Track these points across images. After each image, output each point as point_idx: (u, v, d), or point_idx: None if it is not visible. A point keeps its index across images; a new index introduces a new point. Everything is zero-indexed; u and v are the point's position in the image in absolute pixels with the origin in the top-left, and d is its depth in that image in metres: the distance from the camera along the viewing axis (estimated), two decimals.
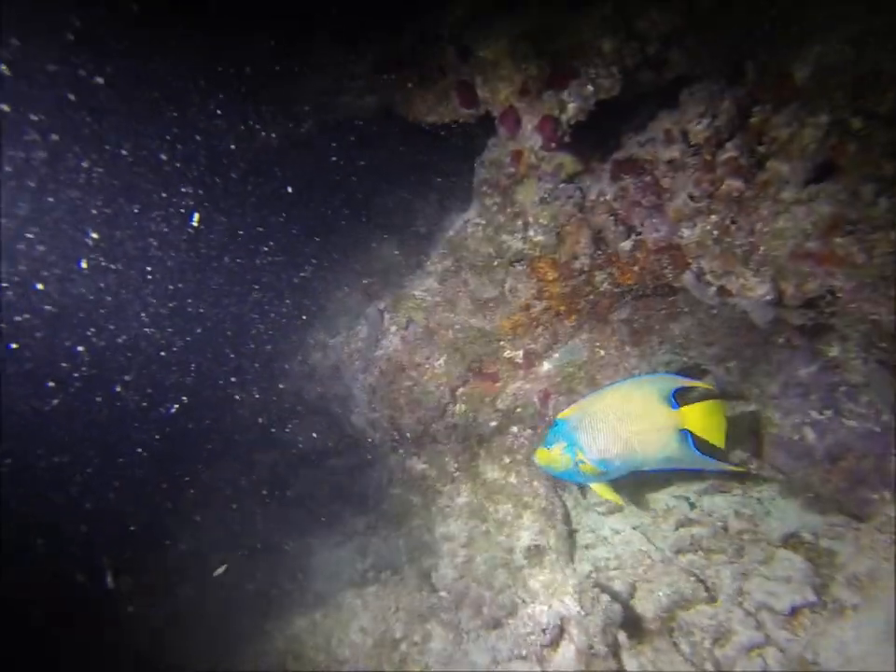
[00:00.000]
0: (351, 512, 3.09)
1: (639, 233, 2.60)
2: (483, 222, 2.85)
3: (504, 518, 2.89)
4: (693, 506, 2.84)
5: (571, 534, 2.91)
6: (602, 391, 2.46)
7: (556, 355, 3.02)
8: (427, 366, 2.83)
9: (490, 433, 2.99)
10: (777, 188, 1.92)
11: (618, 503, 2.66)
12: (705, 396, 2.69)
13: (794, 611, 2.06)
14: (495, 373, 2.98)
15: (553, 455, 2.37)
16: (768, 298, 2.08)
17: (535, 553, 2.78)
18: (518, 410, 3.04)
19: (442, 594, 2.77)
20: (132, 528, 3.09)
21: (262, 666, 2.54)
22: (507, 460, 2.99)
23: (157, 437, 3.38)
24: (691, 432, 2.36)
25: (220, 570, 2.95)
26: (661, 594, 2.33)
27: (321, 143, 3.10)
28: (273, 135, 2.95)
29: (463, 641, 2.61)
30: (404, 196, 3.38)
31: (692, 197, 2.18)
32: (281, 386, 3.21)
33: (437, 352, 2.84)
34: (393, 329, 2.88)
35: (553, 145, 2.36)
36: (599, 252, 2.72)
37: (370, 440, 3.00)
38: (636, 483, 2.99)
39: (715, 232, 2.16)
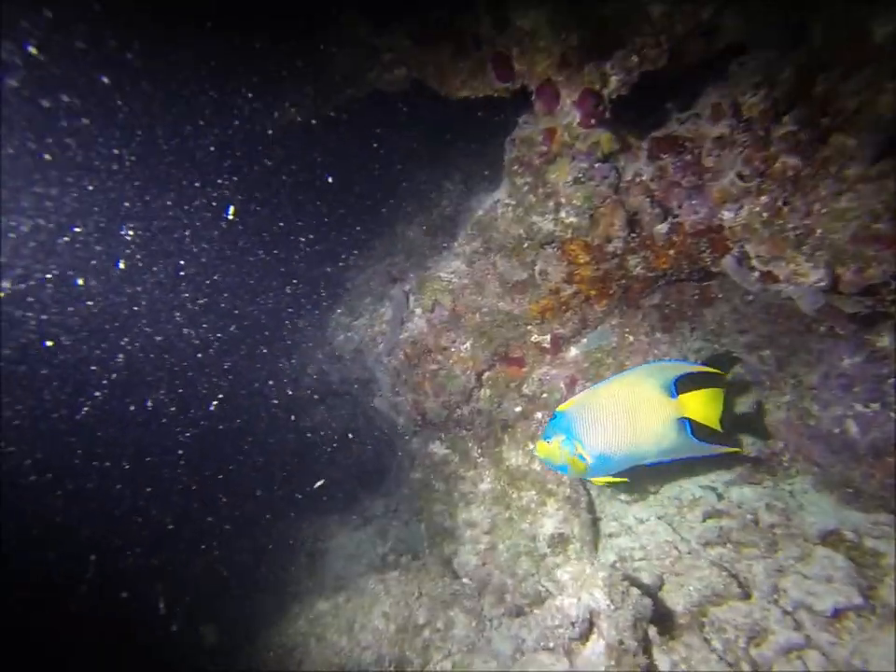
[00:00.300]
0: (370, 495, 2.97)
1: (676, 216, 2.42)
2: (514, 203, 2.67)
3: (528, 505, 2.76)
4: (720, 497, 2.69)
5: (595, 522, 2.78)
6: (602, 383, 2.31)
7: (584, 340, 2.86)
8: (452, 350, 2.68)
9: (515, 418, 2.84)
10: (841, 164, 1.72)
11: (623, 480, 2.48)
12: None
13: (837, 613, 1.91)
14: (521, 358, 2.82)
15: (552, 449, 2.20)
16: (822, 284, 1.89)
17: (559, 541, 2.66)
18: (544, 395, 2.88)
19: (465, 580, 2.66)
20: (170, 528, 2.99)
21: (286, 646, 2.44)
22: (531, 446, 2.84)
23: (191, 435, 3.26)
24: (689, 420, 2.22)
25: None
26: (691, 588, 2.19)
27: (346, 121, 2.92)
28: (298, 117, 2.77)
29: (486, 629, 2.51)
30: (429, 176, 3.19)
31: (740, 176, 1.99)
32: (309, 371, 3.06)
33: (463, 335, 2.68)
34: (418, 311, 2.73)
35: (593, 121, 2.17)
36: (634, 235, 2.53)
37: (393, 423, 2.86)
38: (660, 472, 2.84)
39: (765, 214, 1.97)
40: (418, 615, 2.48)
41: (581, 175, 2.50)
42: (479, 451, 2.82)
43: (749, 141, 1.91)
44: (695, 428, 2.23)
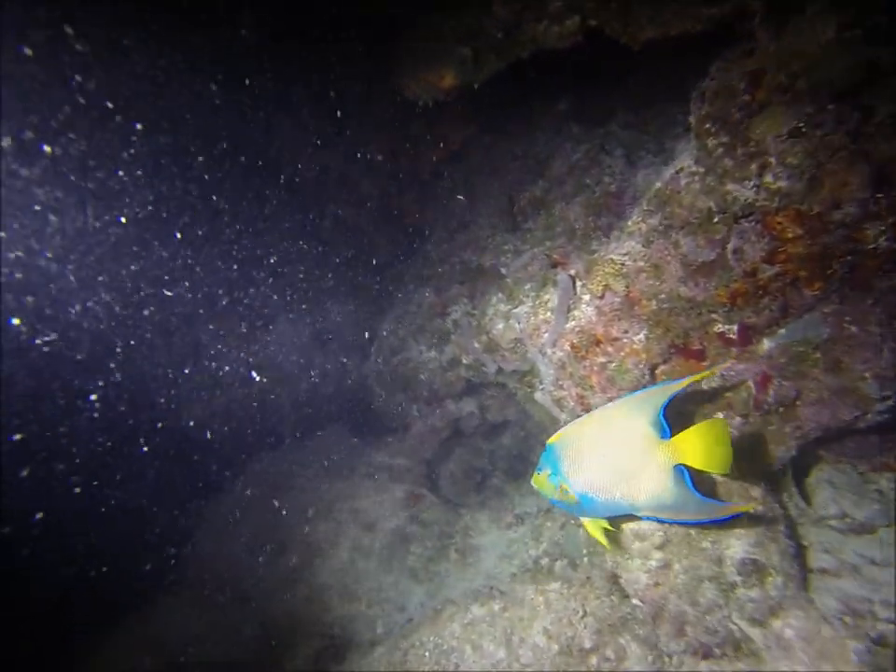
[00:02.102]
0: (522, 492, 2.42)
1: None
2: (702, 170, 1.93)
3: None
4: None
5: (800, 552, 1.95)
6: (593, 413, 1.79)
7: (783, 331, 2.03)
8: (624, 340, 2.02)
9: None
10: None
11: (606, 548, 1.89)
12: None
13: None
14: (701, 351, 2.08)
15: (542, 482, 1.78)
16: None
17: (752, 569, 1.90)
18: (727, 394, 2.10)
19: (635, 601, 2.00)
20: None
21: (441, 648, 1.97)
22: None
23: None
24: (688, 468, 1.60)
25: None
26: None
27: (497, 88, 2.30)
28: (449, 82, 2.21)
29: (665, 665, 1.82)
30: (585, 151, 2.50)
31: None
32: (464, 361, 2.55)
33: (637, 325, 2.02)
34: (587, 297, 2.10)
35: (851, 34, 1.34)
36: (880, 195, 1.65)
37: (554, 419, 2.25)
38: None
39: None
40: (583, 637, 1.89)
41: (802, 125, 1.70)
42: None
43: None
44: (695, 478, 1.61)
